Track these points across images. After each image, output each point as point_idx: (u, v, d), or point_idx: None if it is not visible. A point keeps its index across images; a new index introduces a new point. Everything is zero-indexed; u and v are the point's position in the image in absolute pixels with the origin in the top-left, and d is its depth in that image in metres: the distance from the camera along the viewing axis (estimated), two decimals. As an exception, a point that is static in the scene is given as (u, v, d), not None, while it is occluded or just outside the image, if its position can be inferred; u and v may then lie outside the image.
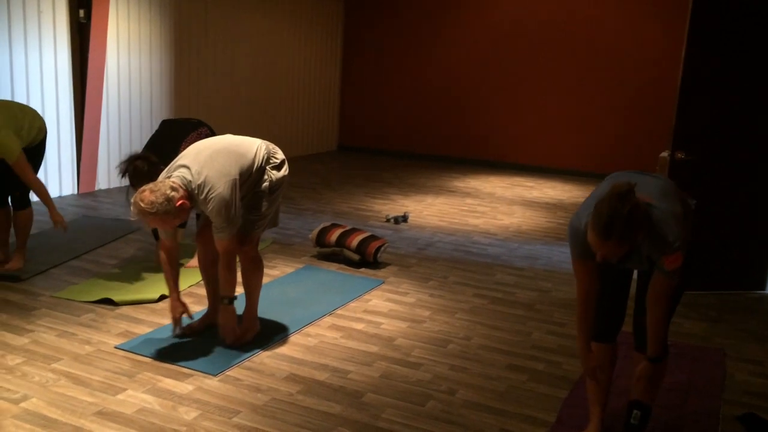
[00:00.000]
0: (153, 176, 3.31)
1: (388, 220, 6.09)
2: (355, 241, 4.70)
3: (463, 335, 3.62)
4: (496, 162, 9.73)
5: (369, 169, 9.04)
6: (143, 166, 3.73)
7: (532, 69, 9.38)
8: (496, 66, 9.58)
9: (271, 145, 3.34)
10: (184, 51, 7.54)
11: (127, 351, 3.18)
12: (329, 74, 10.29)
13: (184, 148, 3.54)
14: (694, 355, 3.49)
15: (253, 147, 3.23)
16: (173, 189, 2.90)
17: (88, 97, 6.40)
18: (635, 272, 2.55)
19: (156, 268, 4.38)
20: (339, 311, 3.86)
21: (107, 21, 6.48)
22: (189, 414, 2.66)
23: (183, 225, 3.69)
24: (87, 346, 3.21)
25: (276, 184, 3.27)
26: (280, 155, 3.34)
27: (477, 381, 3.09)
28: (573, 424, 2.72)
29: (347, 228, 4.88)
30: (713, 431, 2.77)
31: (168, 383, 2.90)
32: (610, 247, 2.12)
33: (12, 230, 4.30)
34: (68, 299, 3.79)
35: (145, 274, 4.27)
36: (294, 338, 3.45)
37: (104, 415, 2.61)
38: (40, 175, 4.57)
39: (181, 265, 4.47)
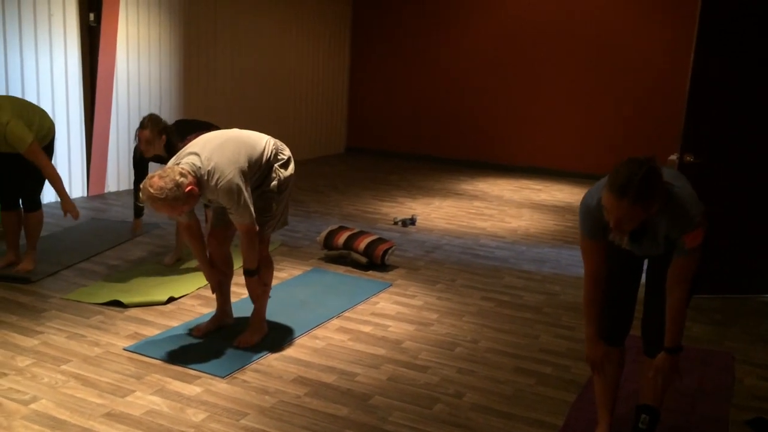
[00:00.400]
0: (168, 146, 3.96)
1: (395, 223, 6.09)
2: (362, 243, 4.71)
3: (470, 338, 3.62)
4: (504, 165, 9.72)
5: (377, 171, 9.05)
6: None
7: (541, 71, 9.37)
8: (504, 68, 9.57)
9: (279, 142, 3.35)
10: (192, 54, 7.58)
11: (136, 353, 3.20)
12: (337, 76, 10.32)
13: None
14: (702, 359, 3.48)
15: (262, 140, 3.24)
16: (182, 175, 2.91)
17: (97, 100, 6.44)
18: (643, 275, 2.54)
19: (165, 271, 4.41)
20: (346, 314, 3.86)
21: (117, 24, 6.52)
22: (197, 416, 2.67)
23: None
24: (96, 348, 3.23)
25: (284, 183, 3.29)
26: (287, 152, 3.35)
27: (484, 384, 3.08)
28: (581, 427, 2.72)
29: (355, 231, 4.89)
30: (722, 436, 2.76)
31: (176, 385, 2.91)
32: (625, 208, 2.04)
33: (22, 232, 4.34)
34: (77, 301, 3.81)
35: (153, 277, 4.29)
36: (301, 341, 3.46)
37: (113, 416, 2.63)
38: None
39: (189, 265, 4.49)
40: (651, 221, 2.19)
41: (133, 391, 2.83)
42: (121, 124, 6.79)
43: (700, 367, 3.38)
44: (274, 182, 3.25)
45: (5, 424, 2.52)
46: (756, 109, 4.28)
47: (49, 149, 4.21)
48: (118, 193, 6.78)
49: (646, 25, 8.73)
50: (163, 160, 4.18)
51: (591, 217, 2.29)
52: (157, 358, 3.15)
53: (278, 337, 3.46)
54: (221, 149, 3.05)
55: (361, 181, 8.24)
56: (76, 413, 2.64)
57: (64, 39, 6.15)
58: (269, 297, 3.46)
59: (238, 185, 2.99)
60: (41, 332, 3.38)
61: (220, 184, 2.97)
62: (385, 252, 4.70)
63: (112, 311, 3.70)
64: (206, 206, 3.96)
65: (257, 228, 3.14)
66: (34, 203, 4.20)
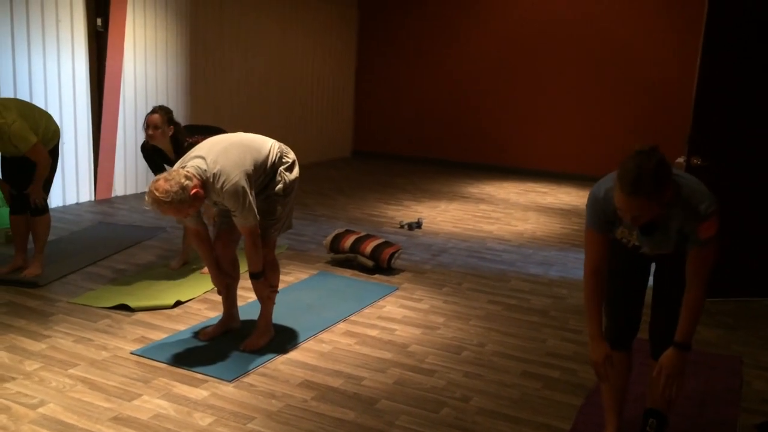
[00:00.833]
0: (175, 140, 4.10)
1: (401, 227, 6.09)
2: (369, 247, 4.71)
3: (477, 342, 3.61)
4: (510, 168, 9.71)
5: (383, 174, 9.05)
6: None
7: (547, 74, 9.36)
8: (510, 71, 9.56)
9: (283, 146, 3.36)
10: (199, 58, 7.61)
11: (143, 357, 3.21)
12: (343, 80, 10.33)
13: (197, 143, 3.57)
14: (711, 362, 3.46)
15: (267, 144, 3.26)
16: (187, 178, 2.92)
17: (105, 104, 6.47)
18: (650, 278, 2.53)
19: (171, 275, 4.42)
20: (353, 317, 3.86)
21: (124, 29, 6.55)
22: (204, 420, 2.67)
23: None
24: (103, 352, 3.24)
25: (289, 187, 3.30)
26: (291, 155, 3.36)
27: (491, 388, 3.08)
28: (588, 432, 2.70)
29: (361, 234, 4.89)
30: (731, 440, 2.74)
31: (183, 389, 2.91)
32: (639, 204, 2.01)
33: (30, 236, 4.36)
34: (85, 305, 3.83)
35: (160, 281, 4.30)
36: (308, 344, 3.46)
37: (120, 420, 2.63)
38: (57, 181, 4.64)
39: (196, 269, 4.50)
40: (662, 214, 2.14)
41: (141, 395, 2.84)
42: (128, 128, 6.82)
43: (708, 370, 3.36)
44: (279, 185, 3.26)
45: (13, 428, 2.53)
46: (763, 112, 4.26)
47: (54, 153, 4.24)
48: (125, 197, 6.81)
49: (653, 27, 8.71)
50: (168, 160, 4.19)
51: (598, 208, 2.27)
52: (164, 362, 3.15)
53: (285, 340, 3.46)
54: (227, 153, 3.06)
55: (367, 185, 8.24)
56: (84, 417, 2.64)
57: (71, 44, 6.18)
58: (275, 300, 3.46)
59: (243, 188, 3.00)
60: (49, 336, 3.39)
61: (226, 187, 2.98)
62: (392, 255, 4.70)
63: (119, 315, 3.71)
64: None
65: (259, 230, 3.15)
66: (41, 207, 4.21)
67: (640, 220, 2.09)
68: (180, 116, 7.34)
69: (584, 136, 9.26)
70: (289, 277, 4.50)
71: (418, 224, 6.11)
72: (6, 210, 5.19)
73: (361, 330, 3.69)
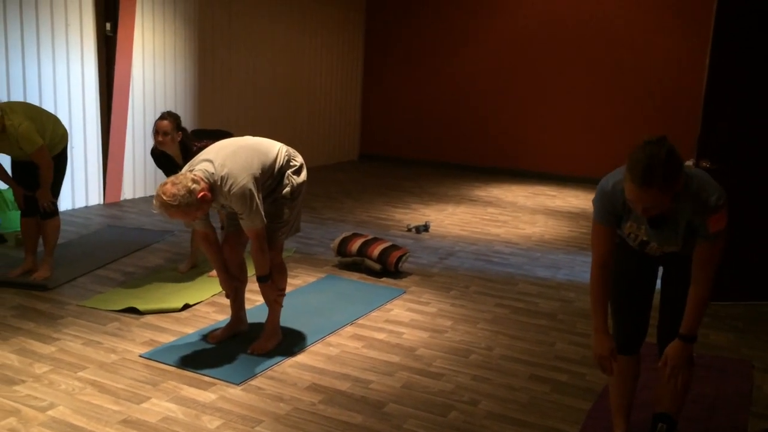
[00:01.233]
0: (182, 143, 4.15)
1: (409, 230, 6.09)
2: (376, 250, 4.71)
3: (485, 345, 3.60)
4: (518, 171, 9.69)
5: (390, 178, 9.06)
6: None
7: (555, 77, 9.34)
8: (518, 74, 9.56)
9: (291, 149, 3.37)
10: (207, 62, 7.64)
11: (152, 359, 3.22)
12: (350, 83, 10.35)
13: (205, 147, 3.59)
14: (720, 367, 3.44)
15: (275, 148, 3.27)
16: (195, 181, 2.93)
17: (114, 109, 6.51)
18: (658, 281, 2.52)
19: (180, 278, 4.43)
20: (360, 321, 3.86)
21: (133, 33, 6.59)
22: (212, 423, 2.67)
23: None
24: (112, 355, 3.25)
25: (297, 190, 3.31)
26: (299, 159, 3.37)
27: (499, 392, 3.07)
28: (597, 436, 2.69)
29: (368, 237, 4.89)
30: (741, 445, 2.72)
31: (191, 392, 2.92)
32: (651, 195, 1.99)
33: (40, 240, 4.39)
34: (94, 308, 3.84)
35: (169, 284, 4.31)
36: (316, 348, 3.46)
37: (129, 423, 2.64)
38: (66, 184, 4.67)
39: (204, 273, 4.51)
40: (672, 207, 2.13)
41: (149, 398, 2.85)
42: (137, 132, 6.85)
43: (718, 374, 3.34)
44: (287, 189, 3.27)
45: (23, 431, 2.55)
46: (773, 114, 4.24)
47: (62, 156, 4.26)
48: (133, 201, 6.84)
49: (661, 29, 8.69)
50: (176, 165, 4.21)
51: (606, 201, 2.26)
52: (172, 365, 3.16)
53: (292, 343, 3.47)
54: (234, 156, 3.08)
55: (374, 188, 8.25)
56: (93, 420, 2.65)
57: (80, 48, 6.22)
58: (282, 306, 3.47)
59: (251, 191, 3.01)
60: (58, 339, 3.41)
61: (234, 190, 2.99)
62: (399, 259, 4.70)
63: (128, 318, 3.73)
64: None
65: (266, 233, 3.16)
66: (51, 210, 4.24)
67: (651, 211, 2.07)
68: (188, 120, 7.37)
69: (593, 138, 9.24)
70: (297, 281, 4.51)
71: (426, 227, 6.11)
72: (16, 213, 5.23)
73: (368, 333, 3.69)
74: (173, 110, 7.19)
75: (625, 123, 8.99)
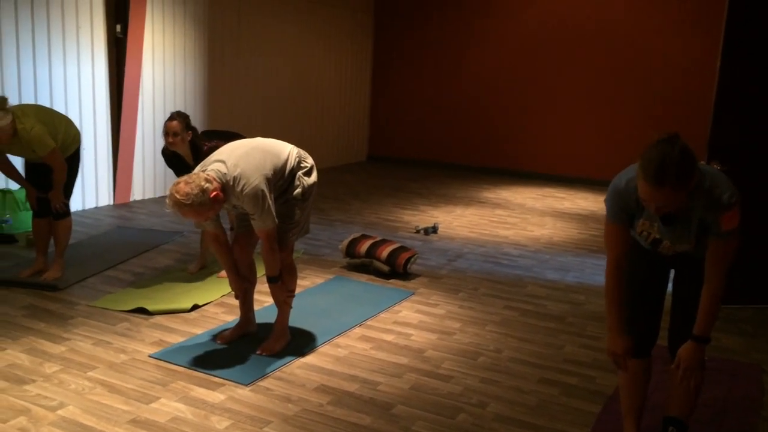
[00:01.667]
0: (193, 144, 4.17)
1: (417, 231, 6.08)
2: (384, 252, 4.71)
3: (493, 348, 3.59)
4: (527, 172, 9.67)
5: (398, 179, 9.06)
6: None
7: (564, 79, 9.32)
8: (527, 76, 9.54)
9: (302, 151, 3.38)
10: (217, 64, 7.67)
11: (161, 360, 3.23)
12: (359, 85, 10.36)
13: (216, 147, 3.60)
14: (731, 370, 3.42)
15: (286, 149, 3.28)
16: (208, 181, 2.95)
17: (124, 110, 6.54)
18: (670, 283, 2.50)
19: (189, 278, 4.45)
20: (369, 322, 3.86)
21: (143, 35, 6.62)
22: (221, 423, 2.68)
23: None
24: (122, 355, 3.27)
25: (308, 191, 3.31)
26: (309, 160, 3.38)
27: (508, 394, 3.06)
28: (606, 439, 2.68)
29: (377, 239, 4.89)
30: (752, 449, 2.70)
31: (200, 392, 2.93)
32: (664, 194, 1.98)
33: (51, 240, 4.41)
34: (104, 308, 3.86)
35: (178, 284, 4.33)
36: (324, 349, 3.46)
37: (138, 423, 2.65)
38: (77, 185, 4.69)
39: (213, 274, 4.53)
40: (684, 204, 2.11)
41: (159, 398, 2.85)
42: (147, 133, 6.88)
43: (729, 378, 3.32)
44: (298, 190, 3.28)
45: (33, 430, 2.56)
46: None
47: (75, 157, 4.29)
48: (143, 202, 6.87)
49: (670, 30, 8.65)
50: (187, 165, 4.22)
51: (619, 200, 2.24)
52: (181, 366, 3.17)
53: (301, 344, 3.47)
54: (247, 157, 3.09)
55: (382, 189, 8.25)
56: (103, 420, 2.66)
57: (91, 50, 6.26)
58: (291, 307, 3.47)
59: (262, 191, 3.02)
60: (68, 339, 3.43)
61: (246, 191, 3.00)
62: (408, 260, 4.69)
63: (137, 318, 3.74)
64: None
65: (276, 234, 3.16)
66: (63, 211, 4.26)
67: (664, 209, 2.06)
68: (198, 122, 7.39)
69: (601, 140, 9.20)
70: (306, 282, 4.51)
71: (434, 229, 6.10)
72: (27, 214, 5.26)
73: (376, 335, 3.69)
74: (183, 111, 7.24)
75: (634, 124, 8.95)
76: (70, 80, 6.10)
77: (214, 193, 2.95)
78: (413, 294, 4.39)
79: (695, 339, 2.24)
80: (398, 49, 10.34)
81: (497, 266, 5.16)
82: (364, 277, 4.70)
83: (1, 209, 5.28)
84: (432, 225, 6.18)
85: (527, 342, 3.69)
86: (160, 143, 4.40)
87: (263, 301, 3.96)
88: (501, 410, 2.91)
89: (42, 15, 5.81)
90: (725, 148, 4.18)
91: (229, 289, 4.15)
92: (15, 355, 3.20)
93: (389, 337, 3.66)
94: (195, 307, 3.94)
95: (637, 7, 8.80)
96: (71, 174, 4.25)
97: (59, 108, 5.96)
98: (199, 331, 3.62)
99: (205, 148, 4.13)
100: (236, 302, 3.59)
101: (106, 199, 6.62)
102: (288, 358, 3.30)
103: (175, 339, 3.49)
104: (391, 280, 4.65)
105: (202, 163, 3.17)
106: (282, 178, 3.22)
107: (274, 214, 3.09)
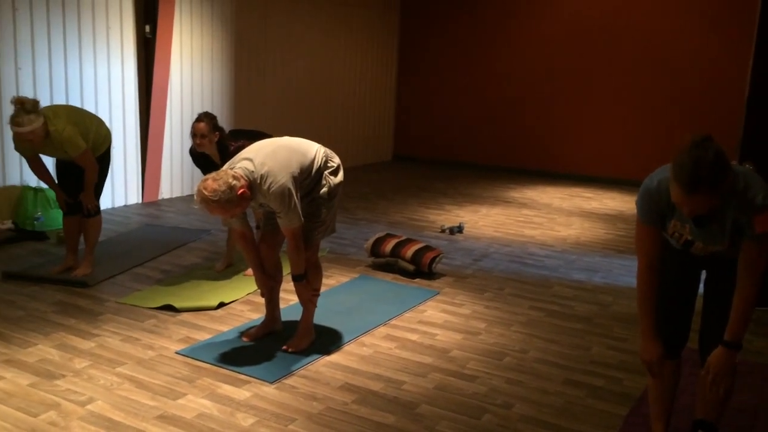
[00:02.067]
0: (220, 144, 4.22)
1: (443, 231, 6.06)
2: (409, 251, 4.70)
3: (519, 348, 3.57)
4: (553, 172, 9.58)
5: (424, 179, 9.04)
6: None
7: (590, 77, 9.22)
8: (553, 74, 9.45)
9: (328, 150, 3.39)
10: (243, 63, 7.72)
11: (188, 356, 3.26)
12: (385, 85, 10.36)
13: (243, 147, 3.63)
14: (763, 374, 3.35)
15: (313, 149, 3.29)
16: (235, 178, 2.98)
17: (152, 109, 6.62)
18: (701, 285, 2.46)
19: (216, 276, 4.49)
20: (394, 321, 3.86)
21: (171, 36, 6.70)
22: (246, 420, 2.70)
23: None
24: (149, 351, 3.31)
25: (334, 190, 3.32)
26: (336, 160, 3.39)
27: (534, 395, 3.03)
28: (634, 442, 2.64)
29: (402, 238, 4.89)
30: (785, 455, 2.65)
31: (226, 389, 2.95)
32: (697, 200, 1.95)
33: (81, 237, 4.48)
34: (132, 305, 3.92)
35: (205, 282, 4.37)
36: (349, 348, 3.47)
37: (165, 419, 2.68)
38: (106, 184, 4.76)
39: (240, 272, 4.56)
40: (718, 205, 2.07)
41: (185, 394, 2.88)
42: (175, 133, 6.96)
43: (761, 382, 3.25)
44: (325, 189, 3.29)
45: (63, 425, 2.60)
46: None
47: (106, 157, 4.35)
48: (171, 200, 6.95)
49: (701, 26, 8.50)
50: (214, 164, 4.26)
51: (649, 199, 2.21)
52: (208, 362, 3.20)
53: (326, 343, 3.48)
54: (274, 155, 3.11)
55: (408, 189, 8.24)
56: (131, 415, 2.70)
57: (121, 50, 6.35)
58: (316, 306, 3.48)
59: (289, 190, 3.04)
60: (98, 335, 3.48)
61: (273, 189, 3.02)
62: (433, 260, 4.68)
63: (165, 315, 3.78)
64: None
65: (302, 233, 3.18)
66: (95, 211, 4.33)
67: (700, 212, 2.03)
68: (225, 121, 7.46)
69: (630, 140, 9.08)
70: (331, 280, 4.52)
71: (460, 229, 6.08)
72: (58, 212, 5.35)
73: (401, 334, 3.68)
74: (210, 111, 7.31)
75: (663, 124, 8.82)
76: (100, 80, 6.20)
77: (241, 190, 2.98)
78: (438, 293, 4.38)
79: (726, 345, 2.19)
80: (424, 48, 10.32)
81: (523, 266, 5.12)
82: (389, 277, 4.70)
83: (33, 207, 5.38)
84: (457, 224, 6.15)
85: (553, 343, 3.66)
86: (188, 142, 4.45)
87: (288, 299, 3.99)
88: (526, 411, 2.88)
89: (73, 16, 5.91)
90: (758, 146, 4.10)
91: (255, 287, 4.17)
92: (46, 351, 3.26)
93: (414, 337, 3.65)
94: (221, 304, 3.98)
95: (666, 3, 8.67)
96: (102, 173, 4.32)
97: (89, 108, 6.06)
98: (225, 328, 3.65)
99: (232, 148, 4.16)
100: (262, 300, 3.61)
101: (134, 197, 6.71)
102: (313, 357, 3.31)
103: (202, 336, 3.52)
104: (416, 280, 4.64)
105: (230, 161, 3.20)
106: (308, 177, 3.23)
107: (300, 212, 3.11)
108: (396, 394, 2.98)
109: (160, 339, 3.46)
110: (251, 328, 3.58)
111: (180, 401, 2.83)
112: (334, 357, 3.34)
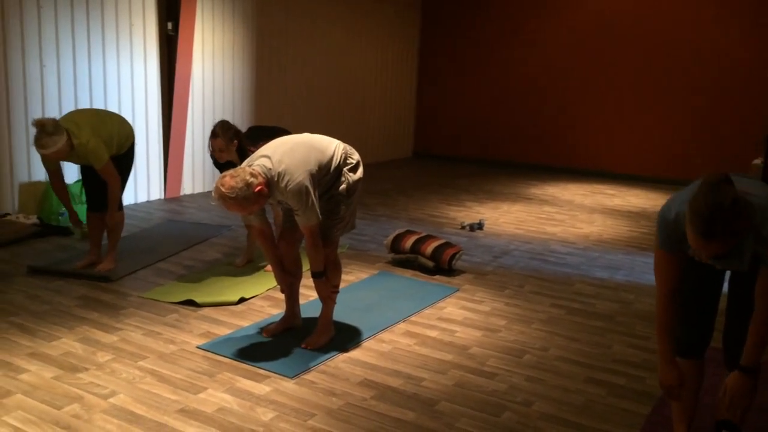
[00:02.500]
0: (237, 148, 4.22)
1: (463, 227, 6.04)
2: (429, 248, 4.69)
3: (539, 346, 3.54)
4: (575, 169, 9.51)
5: (444, 175, 9.01)
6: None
7: (613, 74, 9.12)
8: (575, 71, 9.36)
9: (348, 147, 3.39)
10: (264, 61, 7.76)
11: (209, 351, 3.29)
12: (405, 81, 10.34)
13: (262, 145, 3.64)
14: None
15: (332, 146, 3.29)
16: (253, 175, 2.99)
17: (174, 106, 6.68)
18: (725, 283, 2.42)
19: (236, 272, 4.52)
20: (413, 318, 3.85)
21: (193, 33, 6.74)
22: (266, 415, 2.71)
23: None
24: (171, 345, 3.34)
25: (353, 187, 3.32)
26: (356, 156, 3.39)
27: (554, 393, 3.01)
28: (656, 442, 2.61)
29: (422, 235, 4.88)
30: (811, 457, 2.60)
31: (246, 384, 2.97)
32: (714, 246, 1.90)
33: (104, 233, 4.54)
34: (154, 300, 3.95)
35: (226, 277, 4.40)
36: (368, 344, 3.47)
37: (186, 412, 2.70)
38: (129, 180, 4.82)
39: (260, 267, 4.59)
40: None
41: (206, 389, 2.91)
42: (197, 129, 7.01)
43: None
44: (344, 185, 3.28)
45: (86, 417, 2.64)
46: None
47: (130, 153, 4.40)
48: (192, 196, 7.00)
49: (723, 22, 8.37)
50: (234, 167, 4.28)
51: (669, 231, 2.17)
52: (228, 357, 3.22)
53: (345, 339, 3.48)
54: (292, 153, 3.12)
55: (428, 185, 8.22)
56: (152, 408, 2.73)
57: (143, 48, 6.41)
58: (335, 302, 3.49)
59: (306, 187, 3.04)
60: (120, 329, 3.52)
61: (290, 186, 3.03)
62: (453, 257, 4.66)
63: (186, 310, 3.82)
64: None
65: (319, 230, 3.18)
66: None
67: (716, 254, 1.99)
68: (245, 117, 7.50)
69: (653, 136, 8.97)
70: (350, 277, 4.53)
71: (480, 225, 6.05)
72: (81, 207, 5.42)
73: (421, 330, 3.68)
74: (231, 108, 7.36)
75: (687, 120, 8.70)
76: (123, 77, 6.26)
77: (259, 187, 2.99)
78: (458, 290, 4.36)
79: (743, 369, 2.15)
80: (445, 45, 10.28)
81: (544, 263, 5.09)
82: (408, 273, 4.69)
83: (58, 203, 5.46)
84: (478, 221, 6.13)
85: (574, 341, 3.63)
86: (209, 143, 4.49)
87: (308, 295, 4.00)
88: (546, 409, 2.86)
89: (97, 14, 5.97)
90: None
91: (275, 283, 4.19)
92: (69, 344, 3.30)
93: (433, 333, 3.65)
94: (242, 300, 4.00)
95: (691, 1, 8.55)
96: (126, 169, 4.37)
97: (112, 104, 6.13)
98: (245, 323, 3.67)
99: (250, 151, 4.18)
100: (282, 296, 3.63)
101: (157, 193, 6.77)
102: (332, 353, 3.32)
103: (222, 331, 3.55)
104: (436, 276, 4.63)
105: (248, 159, 3.21)
106: (327, 174, 3.23)
107: (317, 210, 3.11)
108: (415, 391, 2.98)
109: (182, 333, 3.49)
110: (271, 323, 3.59)
111: (201, 395, 2.85)
112: (354, 353, 3.35)
